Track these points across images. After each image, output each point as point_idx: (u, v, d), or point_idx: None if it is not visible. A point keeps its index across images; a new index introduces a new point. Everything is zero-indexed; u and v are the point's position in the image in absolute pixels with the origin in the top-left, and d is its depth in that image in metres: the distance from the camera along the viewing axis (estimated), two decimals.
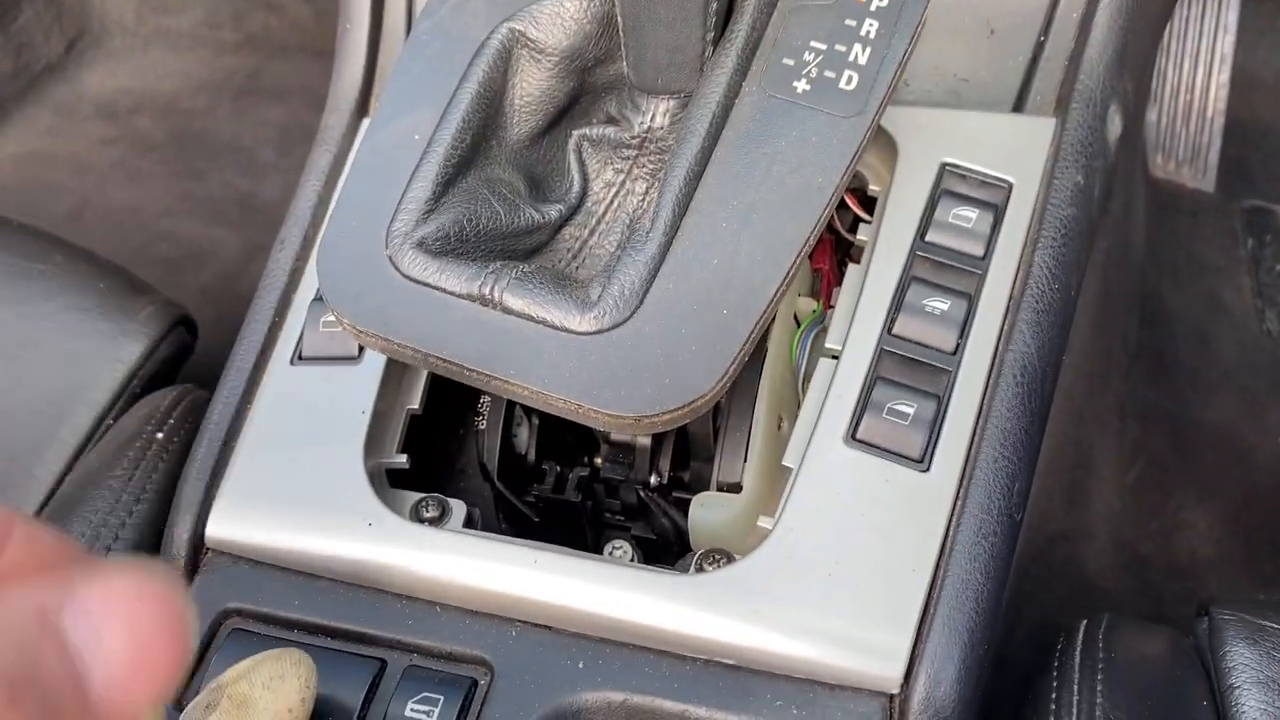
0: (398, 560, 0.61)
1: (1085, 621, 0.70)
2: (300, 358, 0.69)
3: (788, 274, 0.59)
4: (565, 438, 0.77)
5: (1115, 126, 0.77)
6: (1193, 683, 0.68)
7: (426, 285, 0.59)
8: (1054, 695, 0.62)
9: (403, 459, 0.67)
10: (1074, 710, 0.61)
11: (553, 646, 0.59)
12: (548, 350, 0.57)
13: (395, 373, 0.69)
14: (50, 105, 1.76)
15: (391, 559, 0.61)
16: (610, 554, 0.70)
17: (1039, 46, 0.77)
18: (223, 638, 0.61)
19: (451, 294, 0.58)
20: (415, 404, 0.69)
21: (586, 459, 0.78)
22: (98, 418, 0.85)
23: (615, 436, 0.72)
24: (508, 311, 0.58)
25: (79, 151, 1.71)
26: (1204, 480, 1.27)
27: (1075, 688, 0.62)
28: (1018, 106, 0.78)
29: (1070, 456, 1.12)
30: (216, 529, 0.64)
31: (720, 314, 0.58)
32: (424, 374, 0.70)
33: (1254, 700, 0.66)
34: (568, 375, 0.56)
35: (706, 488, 0.73)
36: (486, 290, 0.58)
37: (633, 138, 0.67)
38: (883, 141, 0.73)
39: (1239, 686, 0.67)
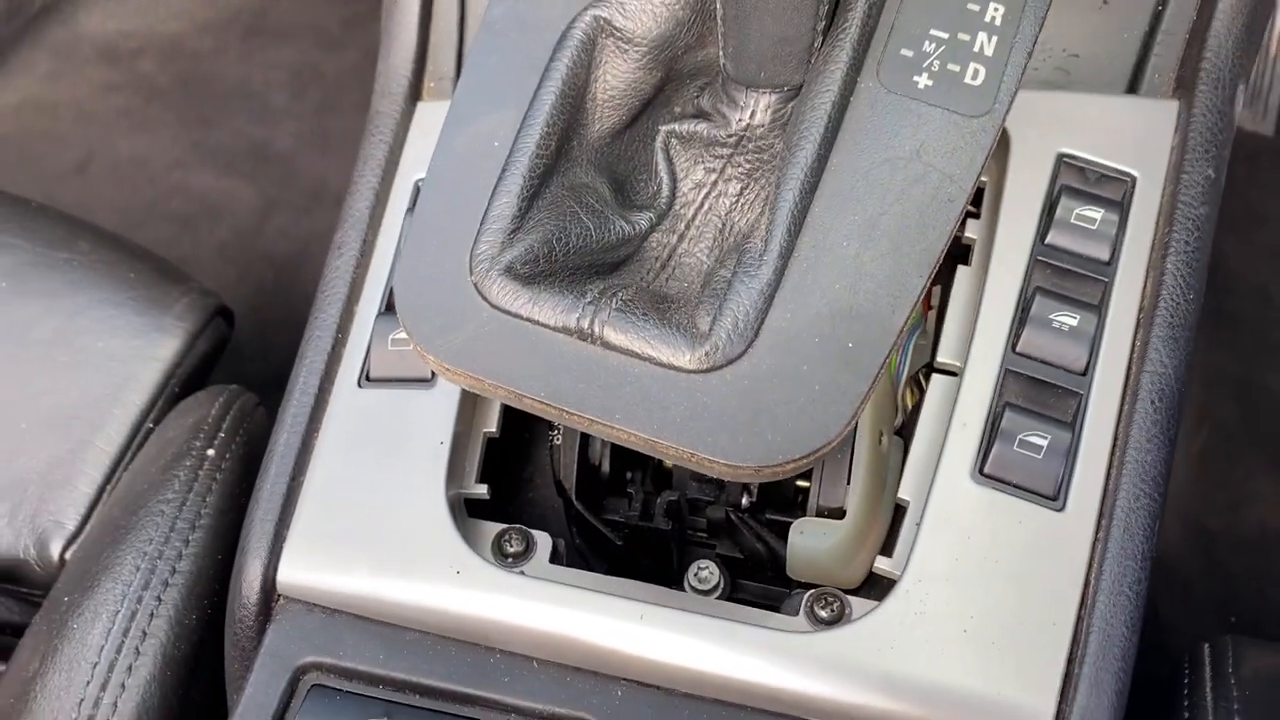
0: (490, 612, 0.56)
1: (1208, 646, 0.66)
2: (368, 378, 0.64)
3: (917, 299, 0.53)
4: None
5: (1240, 107, 0.71)
6: None
7: (519, 317, 0.53)
8: None
9: (483, 489, 0.62)
10: None
11: (663, 708, 0.54)
12: (654, 390, 0.52)
13: (471, 395, 0.63)
14: (48, 48, 1.67)
15: (483, 610, 0.56)
16: (696, 575, 0.66)
17: (1156, 17, 0.71)
18: (302, 695, 0.56)
19: (547, 327, 0.53)
20: (493, 428, 0.63)
21: (659, 464, 0.73)
22: (136, 422, 0.80)
23: None
24: (609, 347, 0.53)
25: (81, 98, 1.63)
26: (1271, 448, 1.23)
27: None
28: (1133, 86, 0.71)
29: None
30: (290, 574, 0.59)
31: (845, 347, 0.52)
32: None
33: None
34: (678, 419, 0.51)
35: (795, 502, 0.68)
36: (585, 324, 0.53)
37: (729, 135, 0.61)
38: None
39: None
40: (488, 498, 0.62)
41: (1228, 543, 1.17)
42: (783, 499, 0.69)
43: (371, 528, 0.59)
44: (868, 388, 0.52)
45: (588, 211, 0.57)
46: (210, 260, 1.50)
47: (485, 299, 0.53)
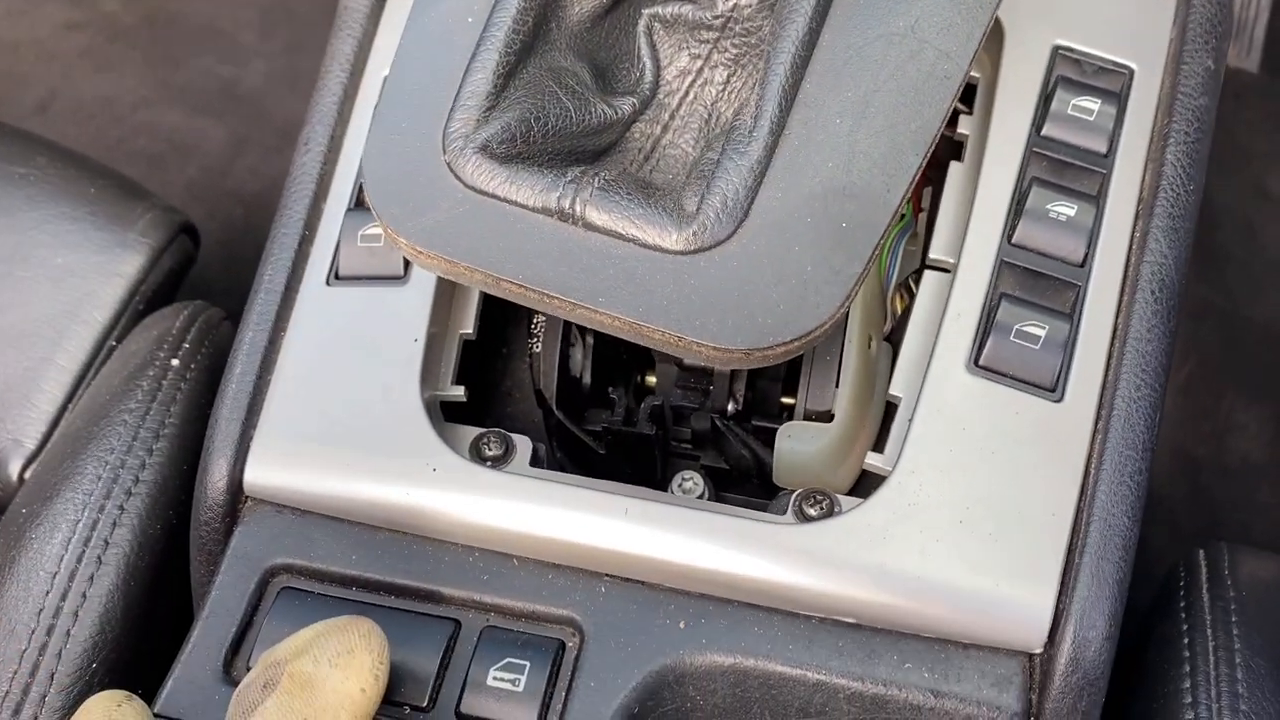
0: (469, 509, 0.54)
1: (1202, 552, 0.65)
2: (337, 276, 0.61)
3: (913, 178, 0.51)
4: (620, 357, 0.70)
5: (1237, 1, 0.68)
6: None
7: (495, 197, 0.50)
8: (1186, 641, 0.57)
9: (460, 391, 0.59)
10: (1211, 657, 0.56)
11: (649, 604, 0.52)
12: (640, 272, 0.49)
13: (446, 292, 0.61)
14: None
15: (462, 507, 0.54)
16: (680, 486, 0.64)
17: None
18: (272, 598, 0.54)
19: (525, 207, 0.50)
20: (469, 328, 0.61)
21: (640, 377, 0.71)
22: (99, 339, 0.77)
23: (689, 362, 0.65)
24: (590, 228, 0.50)
25: (42, 38, 1.58)
26: (1255, 380, 1.22)
27: (1209, 630, 0.57)
28: None
29: None
30: (257, 474, 0.57)
31: (838, 227, 0.50)
32: (476, 294, 0.62)
33: None
34: (664, 302, 0.49)
35: (778, 411, 0.66)
36: (566, 203, 0.50)
37: (714, 17, 0.58)
38: None
39: None
40: (465, 400, 0.60)
41: (1212, 472, 1.17)
42: (768, 407, 0.67)
43: (343, 427, 0.57)
44: (862, 268, 0.49)
45: (567, 92, 0.55)
46: (179, 198, 1.46)
47: (459, 179, 0.51)
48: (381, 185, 0.51)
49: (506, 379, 0.71)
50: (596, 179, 0.51)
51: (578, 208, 0.50)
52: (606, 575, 0.53)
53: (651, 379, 0.70)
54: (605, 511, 0.53)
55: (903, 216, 0.67)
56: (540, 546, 0.54)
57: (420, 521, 0.55)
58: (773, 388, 0.66)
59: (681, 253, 0.50)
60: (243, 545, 0.55)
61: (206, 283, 0.97)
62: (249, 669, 0.51)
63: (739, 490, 0.66)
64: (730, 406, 0.66)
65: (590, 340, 0.68)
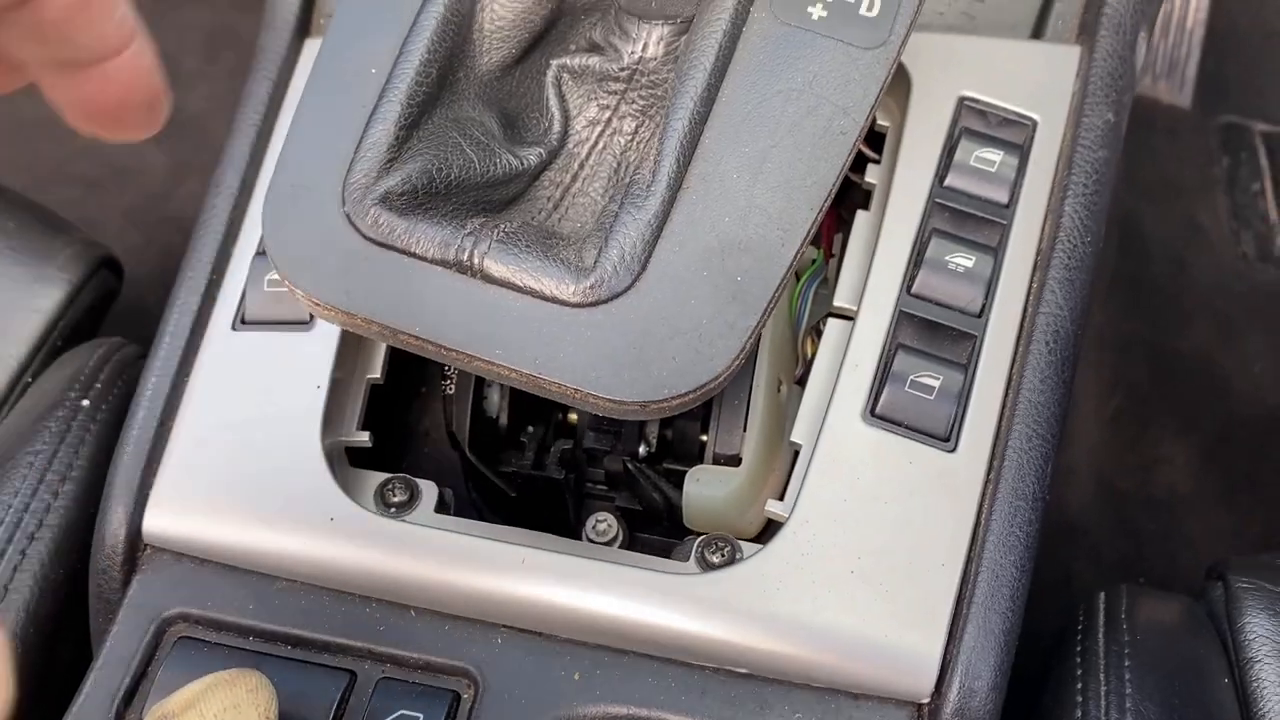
0: (365, 560, 0.54)
1: (1103, 595, 0.66)
2: (243, 321, 0.61)
3: (807, 233, 0.52)
4: (538, 400, 0.70)
5: (1141, 56, 0.70)
6: (1212, 656, 0.65)
7: (394, 249, 0.51)
8: (1079, 685, 0.58)
9: (365, 437, 0.59)
10: (1102, 701, 0.57)
11: (544, 655, 0.53)
12: (537, 325, 0.50)
13: (353, 339, 0.61)
14: None
15: (358, 557, 0.54)
16: (594, 528, 0.64)
17: None
18: (168, 648, 0.54)
19: (424, 259, 0.51)
20: (376, 373, 0.61)
21: (562, 416, 0.71)
22: (13, 376, 0.76)
23: None
24: (489, 279, 0.50)
25: None
26: (1182, 412, 1.24)
27: (1102, 675, 0.58)
28: (1037, 32, 0.70)
29: None
30: (155, 522, 0.56)
31: (734, 281, 0.50)
32: None
33: (1275, 674, 0.63)
34: (561, 355, 0.49)
35: (694, 452, 0.67)
36: (464, 255, 0.50)
37: (621, 69, 0.59)
38: (894, 72, 0.66)
39: (1259, 660, 0.64)
40: (369, 445, 0.60)
41: (1138, 504, 1.18)
42: (682, 449, 0.67)
43: (243, 474, 0.56)
44: (756, 321, 0.50)
45: (472, 143, 0.55)
46: (117, 224, 1.45)
47: (358, 230, 0.51)
48: (280, 236, 0.52)
49: (424, 419, 0.71)
50: (496, 231, 0.51)
51: (475, 259, 0.51)
52: (503, 626, 0.54)
53: (573, 417, 0.70)
54: (501, 561, 0.53)
55: (813, 262, 0.68)
56: (437, 597, 0.54)
57: (317, 571, 0.54)
58: (688, 428, 0.67)
59: (579, 305, 0.50)
60: (140, 594, 0.55)
61: (143, 311, 0.96)
62: None
63: (654, 531, 0.67)
64: (642, 449, 0.67)
65: None
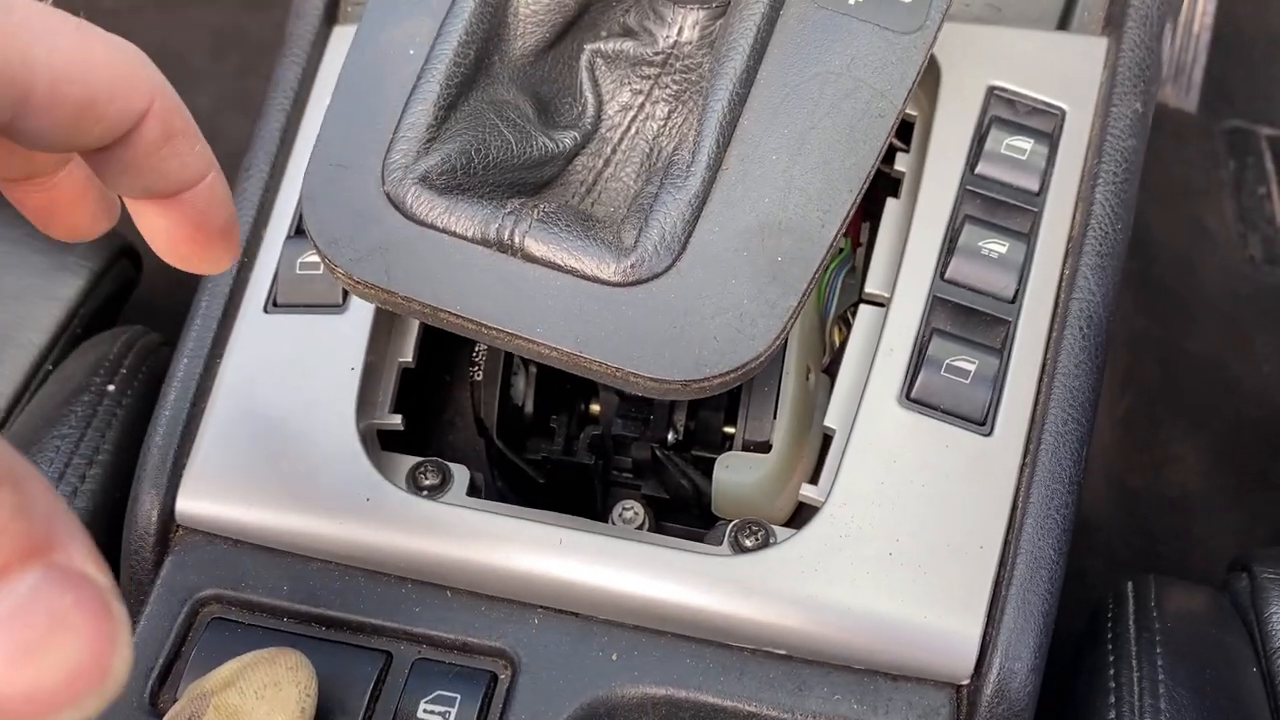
0: (402, 540, 0.54)
1: (1131, 584, 0.66)
2: (275, 304, 0.61)
3: (848, 213, 0.52)
4: (564, 387, 0.70)
5: (1168, 46, 0.70)
6: (1240, 646, 0.65)
7: (434, 228, 0.51)
8: (1112, 671, 0.58)
9: (397, 419, 0.59)
10: (1135, 688, 0.57)
11: (582, 636, 0.52)
12: (578, 304, 0.50)
13: (385, 321, 0.61)
14: None
15: (394, 538, 0.54)
16: (620, 516, 0.64)
17: None
18: (201, 629, 0.53)
19: (464, 238, 0.51)
20: (408, 356, 0.61)
21: (584, 407, 0.71)
22: (35, 363, 0.76)
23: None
24: (530, 259, 0.50)
25: None
26: (1192, 412, 1.25)
27: (1135, 661, 0.58)
28: (1063, 23, 0.71)
29: None
30: (188, 504, 0.56)
31: (774, 261, 0.50)
32: (416, 322, 0.62)
33: None
34: (602, 334, 0.49)
35: (718, 441, 0.67)
36: (506, 234, 0.50)
37: (655, 54, 0.59)
38: None
39: None
40: (402, 429, 0.59)
41: (1150, 503, 1.18)
42: (709, 437, 0.67)
43: (277, 456, 0.56)
44: (797, 301, 0.50)
45: (509, 125, 0.55)
46: (127, 222, 1.45)
47: (399, 209, 0.51)
48: (320, 215, 0.51)
49: (449, 407, 0.71)
50: (536, 210, 0.51)
51: (517, 239, 0.50)
52: (540, 607, 0.53)
53: (596, 408, 0.70)
54: (539, 542, 0.53)
55: (841, 250, 0.68)
56: (473, 578, 0.54)
57: (353, 552, 0.54)
58: (714, 418, 0.67)
59: (620, 284, 0.50)
60: (173, 575, 0.55)
61: (153, 306, 0.96)
62: (176, 700, 0.50)
63: (679, 520, 0.67)
64: (670, 436, 0.66)
65: (533, 369, 0.68)
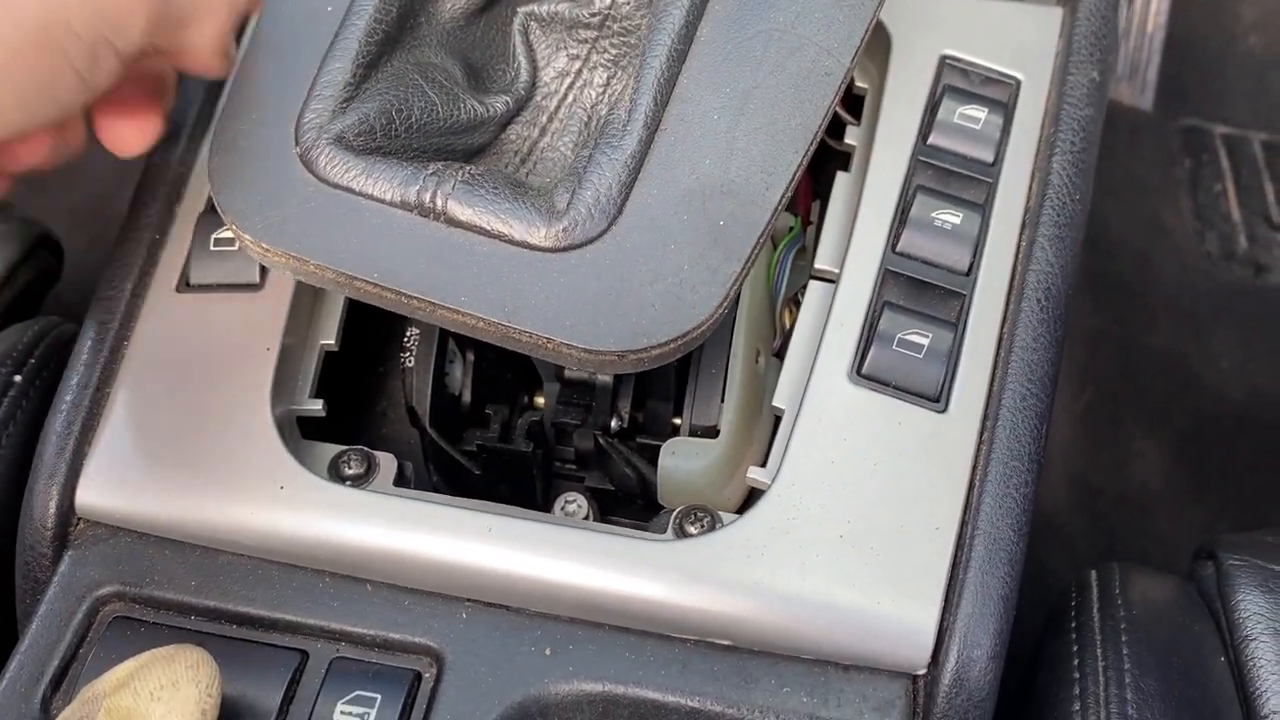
0: (317, 530, 0.50)
1: (1094, 572, 0.63)
2: (188, 284, 0.57)
3: (794, 176, 0.49)
4: (504, 374, 0.66)
5: (1123, 18, 0.68)
6: (1206, 635, 0.62)
7: (350, 191, 0.47)
8: (1076, 661, 0.55)
9: (318, 405, 0.56)
10: (1100, 677, 0.54)
11: (513, 630, 0.49)
12: (506, 271, 0.47)
13: (306, 301, 0.57)
14: None
15: (310, 528, 0.50)
16: (563, 509, 0.60)
17: None
18: (102, 629, 0.49)
19: (382, 202, 0.47)
20: (331, 339, 0.57)
21: (528, 398, 0.67)
22: None
23: (571, 374, 0.62)
24: (453, 223, 0.47)
25: None
26: (1152, 408, 1.23)
27: (1100, 650, 0.55)
28: None
29: None
30: (89, 495, 0.52)
31: (716, 225, 0.48)
32: (340, 303, 0.59)
33: (1270, 652, 0.60)
34: (533, 302, 0.46)
35: (667, 430, 0.63)
36: (427, 197, 0.47)
37: (591, 15, 0.56)
38: (873, 31, 0.63)
39: (1255, 638, 0.62)
40: (323, 415, 0.56)
41: (1111, 501, 1.17)
42: (655, 424, 0.64)
43: (186, 444, 0.52)
44: (741, 267, 0.47)
45: (434, 87, 0.52)
46: (63, 223, 1.39)
47: (312, 172, 0.48)
48: (228, 179, 0.48)
49: (382, 397, 0.68)
50: (461, 172, 0.48)
51: (439, 201, 0.47)
52: (468, 600, 0.50)
53: (540, 399, 0.67)
54: (465, 530, 0.49)
55: (790, 229, 0.66)
56: (396, 570, 0.50)
57: (266, 544, 0.50)
58: (661, 404, 0.63)
59: (551, 250, 0.47)
60: (71, 572, 0.51)
61: (84, 308, 0.92)
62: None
63: (626, 513, 0.63)
64: (614, 423, 0.63)
65: (470, 356, 0.64)
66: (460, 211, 0.47)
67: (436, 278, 0.46)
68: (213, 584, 0.50)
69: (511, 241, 0.47)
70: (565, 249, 0.46)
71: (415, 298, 0.46)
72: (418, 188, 0.47)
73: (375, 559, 0.50)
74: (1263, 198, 1.44)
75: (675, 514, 0.54)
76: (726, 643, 0.49)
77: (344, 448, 0.55)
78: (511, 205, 0.47)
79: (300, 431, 0.56)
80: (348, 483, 0.53)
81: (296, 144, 0.48)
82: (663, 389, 0.63)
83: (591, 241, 0.47)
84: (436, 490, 0.63)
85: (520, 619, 0.49)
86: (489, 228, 0.47)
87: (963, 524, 0.50)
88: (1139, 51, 1.58)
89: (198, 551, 0.51)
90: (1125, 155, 1.48)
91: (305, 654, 0.48)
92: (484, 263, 0.46)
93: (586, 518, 0.60)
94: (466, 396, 0.64)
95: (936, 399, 0.52)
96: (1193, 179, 1.48)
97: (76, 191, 1.40)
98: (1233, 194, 1.47)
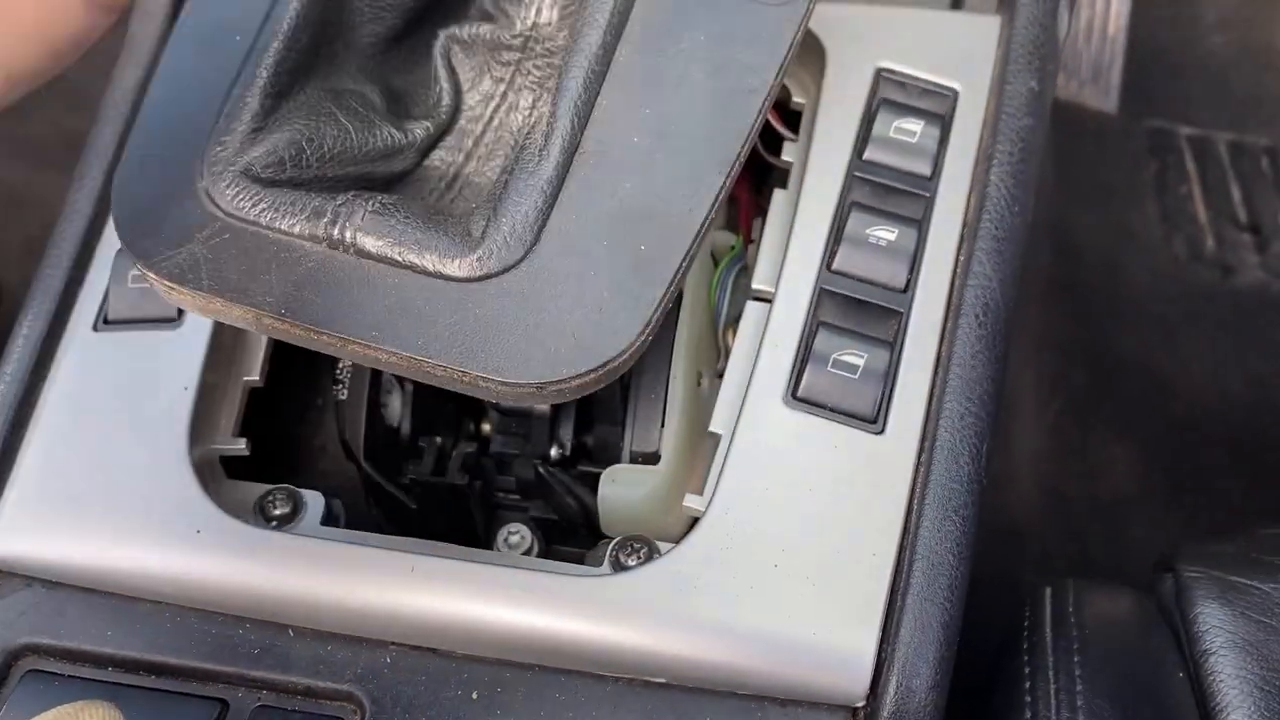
0: (235, 574, 0.48)
1: (1049, 589, 0.62)
2: (106, 321, 0.55)
3: (716, 199, 0.47)
4: (445, 405, 0.65)
5: (1064, 26, 0.68)
6: (1165, 650, 0.61)
7: (256, 225, 0.46)
8: (1028, 684, 0.54)
9: (241, 444, 0.54)
10: (1052, 700, 0.53)
11: (438, 674, 0.47)
12: (419, 303, 0.45)
13: (227, 337, 0.56)
14: None
15: (226, 573, 0.48)
16: (506, 541, 0.59)
17: None
18: (15, 683, 0.47)
19: (290, 235, 0.46)
20: (255, 374, 0.56)
21: (474, 428, 0.66)
22: None
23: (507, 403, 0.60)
24: (363, 254, 0.46)
25: None
26: (1123, 414, 1.22)
27: (1051, 673, 0.54)
28: (956, 4, 0.68)
29: None
30: (2, 542, 0.50)
31: (637, 251, 0.46)
32: (264, 338, 0.57)
33: (1230, 665, 0.59)
34: (446, 334, 0.44)
35: (615, 458, 0.62)
36: (336, 229, 0.46)
37: (514, 37, 0.55)
38: (808, 45, 0.62)
39: (1214, 651, 0.60)
40: (247, 454, 0.54)
41: (1083, 509, 1.15)
42: (598, 451, 0.62)
43: (101, 487, 0.51)
44: (662, 293, 0.46)
45: (348, 114, 0.50)
46: (16, 254, 1.38)
47: (218, 206, 0.46)
48: (131, 215, 0.46)
49: (320, 433, 0.66)
50: (371, 201, 0.47)
51: (347, 233, 0.46)
52: (392, 644, 0.48)
53: (486, 427, 0.65)
54: (387, 571, 0.48)
55: (732, 248, 0.64)
56: (316, 614, 0.48)
57: (183, 590, 0.49)
58: (606, 430, 0.62)
59: (466, 280, 0.46)
60: None
61: None
62: None
63: (572, 543, 0.62)
64: (555, 451, 0.62)
65: (409, 387, 0.63)
66: (369, 243, 0.45)
67: (347, 313, 0.45)
68: (129, 633, 0.48)
69: (424, 272, 0.45)
70: (481, 278, 0.45)
71: (324, 333, 0.44)
72: (326, 220, 0.45)
73: (294, 603, 0.48)
74: (1229, 198, 1.44)
75: (612, 545, 0.52)
76: (661, 680, 0.47)
77: (270, 487, 0.53)
78: (423, 235, 0.45)
79: (226, 471, 0.55)
80: (273, 523, 0.52)
81: (202, 178, 0.46)
82: (609, 414, 0.62)
83: (508, 270, 0.45)
84: (379, 526, 0.61)
85: (446, 662, 0.48)
86: (400, 259, 0.45)
87: (901, 549, 0.48)
88: (1102, 55, 1.58)
89: (113, 600, 0.49)
90: (1091, 159, 1.48)
91: (225, 704, 0.47)
92: (395, 295, 0.45)
93: (529, 550, 0.59)
94: (406, 428, 0.63)
95: (874, 420, 0.51)
96: (1159, 181, 1.47)
97: (32, 222, 1.38)
98: (1199, 195, 1.46)
